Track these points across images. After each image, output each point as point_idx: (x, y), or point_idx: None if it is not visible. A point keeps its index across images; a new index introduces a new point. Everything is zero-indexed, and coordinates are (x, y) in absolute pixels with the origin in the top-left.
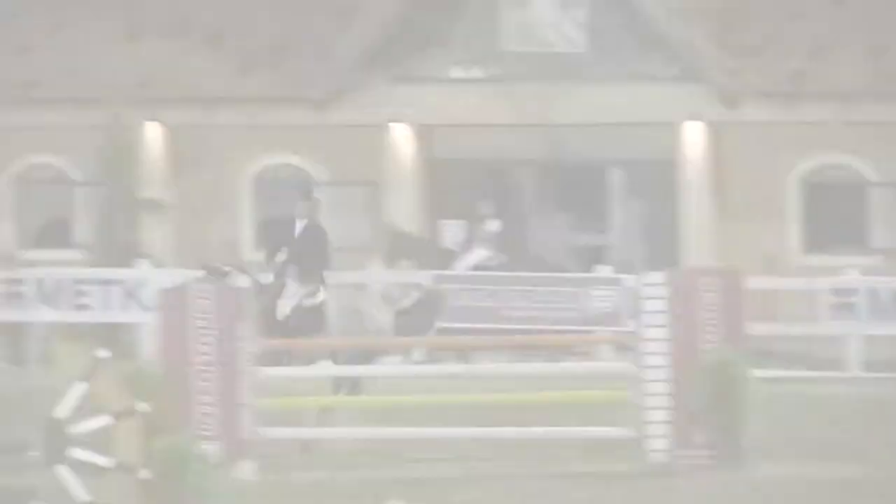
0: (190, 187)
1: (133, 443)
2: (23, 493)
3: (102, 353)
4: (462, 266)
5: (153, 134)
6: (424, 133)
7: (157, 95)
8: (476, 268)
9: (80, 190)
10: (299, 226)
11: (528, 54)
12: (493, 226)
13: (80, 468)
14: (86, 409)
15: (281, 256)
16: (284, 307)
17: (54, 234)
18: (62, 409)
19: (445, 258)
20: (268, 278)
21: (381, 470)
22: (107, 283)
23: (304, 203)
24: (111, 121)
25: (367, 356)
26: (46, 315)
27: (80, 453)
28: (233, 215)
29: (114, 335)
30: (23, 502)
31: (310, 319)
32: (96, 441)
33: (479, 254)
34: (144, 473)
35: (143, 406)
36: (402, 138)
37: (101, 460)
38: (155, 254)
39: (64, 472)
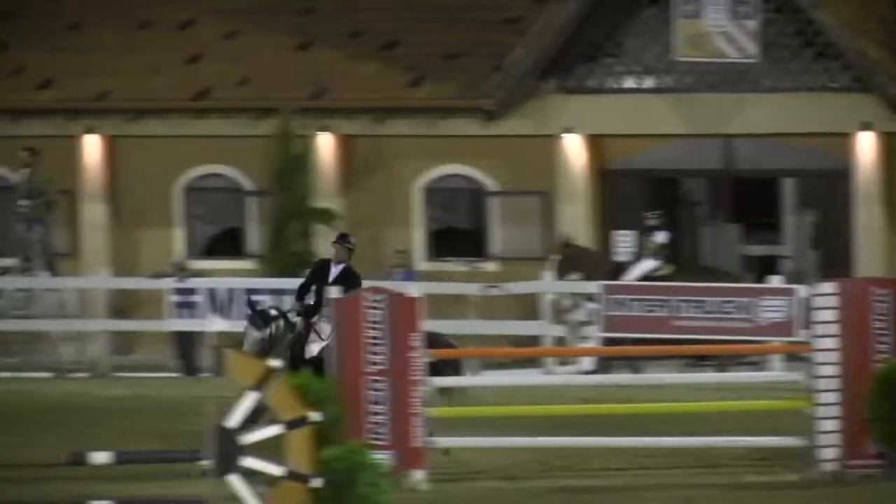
0: (361, 197)
1: (305, 452)
2: (194, 502)
3: (275, 363)
4: (631, 277)
5: (325, 143)
6: (596, 143)
7: (330, 105)
8: (645, 278)
9: (251, 199)
10: (335, 270)
11: (700, 64)
12: (662, 237)
13: (252, 477)
14: (258, 418)
15: (311, 298)
16: (313, 348)
17: (226, 243)
18: (234, 419)
19: (615, 269)
20: (294, 317)
21: (551, 480)
22: (278, 292)
23: (341, 247)
24: (283, 130)
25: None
26: (218, 324)
27: (252, 462)
28: (404, 225)
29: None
30: None
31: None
32: (268, 450)
33: (648, 264)
34: (316, 482)
35: (315, 415)
36: (573, 148)
37: (273, 469)
38: None
39: (236, 481)
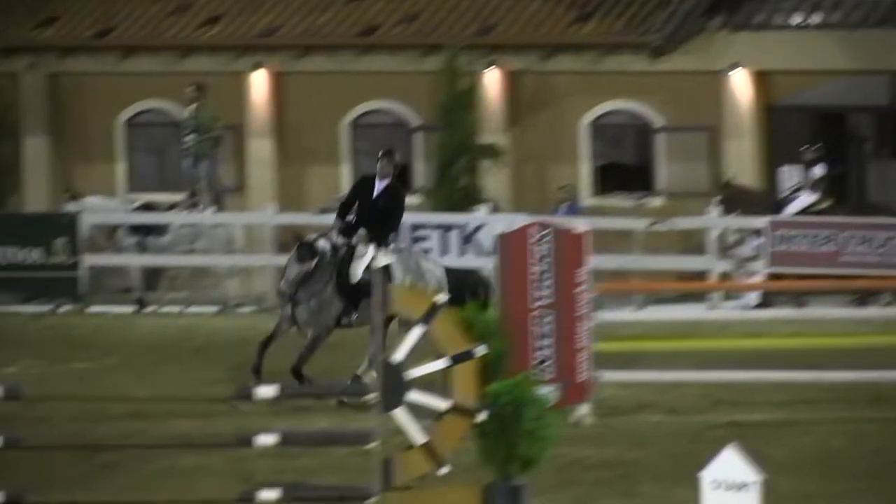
0: (527, 133)
1: (470, 386)
2: (361, 436)
3: (441, 298)
4: (790, 211)
5: (491, 80)
6: (762, 79)
7: (496, 42)
8: (803, 212)
9: (417, 135)
10: (379, 185)
11: (867, 0)
12: (820, 170)
13: (418, 411)
14: (425, 352)
15: (352, 216)
16: (357, 271)
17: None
18: (401, 353)
19: (778, 205)
20: (336, 238)
21: (716, 414)
22: (445, 227)
23: (386, 162)
24: (449, 66)
25: None
26: (384, 259)
27: (417, 396)
28: (570, 161)
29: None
30: (362, 445)
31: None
32: (434, 384)
33: (807, 198)
34: (481, 416)
35: (480, 350)
36: (740, 85)
37: (438, 403)
38: (492, 198)
39: (402, 415)
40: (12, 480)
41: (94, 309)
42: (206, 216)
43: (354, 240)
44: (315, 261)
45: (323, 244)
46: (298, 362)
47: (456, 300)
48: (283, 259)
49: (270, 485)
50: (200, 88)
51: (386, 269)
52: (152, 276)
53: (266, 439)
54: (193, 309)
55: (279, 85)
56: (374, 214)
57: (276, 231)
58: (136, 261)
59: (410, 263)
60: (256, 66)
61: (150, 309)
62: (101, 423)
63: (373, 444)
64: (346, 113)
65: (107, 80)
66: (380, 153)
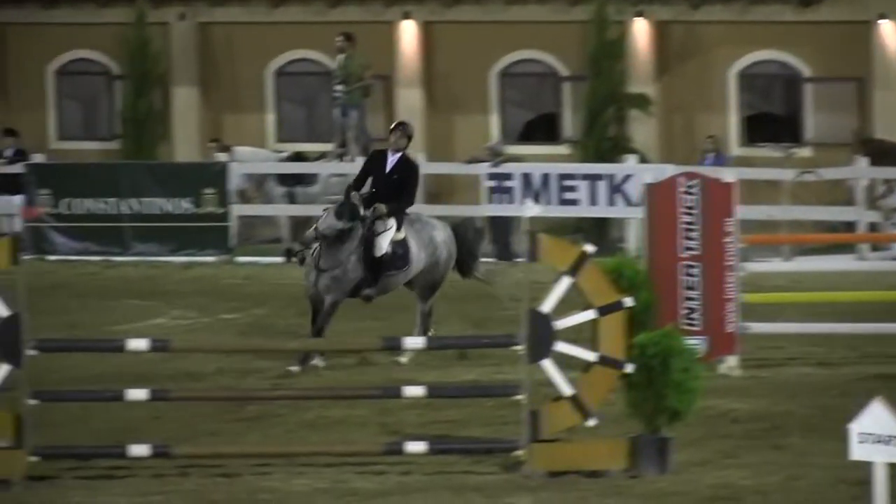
0: (675, 82)
1: (617, 337)
2: (508, 387)
3: (589, 248)
4: None
5: (639, 29)
6: None
7: None
8: None
9: (566, 84)
10: (392, 159)
11: None
12: None
13: (565, 362)
14: (572, 303)
15: (366, 189)
16: (382, 244)
17: (541, 128)
18: (548, 304)
19: None
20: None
21: (864, 366)
22: (593, 177)
23: (400, 135)
24: (598, 16)
25: None
26: (533, 209)
27: (564, 347)
28: (718, 111)
29: (600, 229)
30: (508, 395)
31: (398, 255)
32: (581, 335)
33: None
34: (629, 368)
35: (628, 301)
36: (888, 35)
37: (585, 354)
38: (640, 149)
39: (549, 366)
40: (160, 433)
41: (243, 259)
42: (355, 166)
43: (373, 213)
44: (351, 224)
45: (362, 214)
46: (318, 332)
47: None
48: (429, 208)
49: (417, 437)
50: (349, 38)
51: (403, 243)
52: (301, 226)
53: (413, 391)
54: None
55: (427, 35)
56: (390, 187)
57: (424, 180)
58: (285, 211)
59: (424, 237)
60: (405, 16)
61: (297, 259)
62: (249, 375)
63: (520, 397)
64: (494, 63)
65: (256, 29)
66: (391, 125)
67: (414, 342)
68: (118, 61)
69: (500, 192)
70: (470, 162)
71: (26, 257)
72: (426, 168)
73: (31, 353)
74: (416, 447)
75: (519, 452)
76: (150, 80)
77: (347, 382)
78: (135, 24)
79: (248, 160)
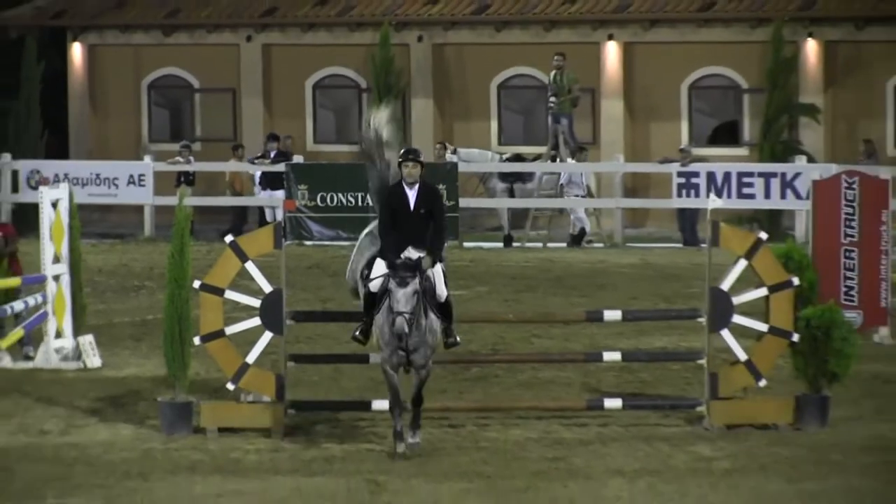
0: (839, 94)
1: (786, 311)
2: (692, 353)
3: (762, 235)
4: None
5: (810, 48)
6: None
7: (816, 15)
8: None
9: (746, 96)
10: (412, 193)
11: None
12: None
13: (741, 332)
14: (747, 281)
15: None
16: (441, 287)
17: (724, 133)
18: (727, 283)
19: None
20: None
21: None
22: (768, 175)
23: (413, 165)
24: (775, 37)
25: None
26: (715, 202)
27: (740, 319)
28: (878, 118)
29: (773, 220)
30: (692, 360)
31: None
32: (755, 309)
33: None
34: (795, 337)
35: (795, 280)
36: None
37: (758, 326)
38: (809, 150)
39: (727, 336)
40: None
41: (469, 244)
42: (566, 166)
43: (416, 258)
44: (415, 281)
45: (415, 259)
46: (418, 402)
47: None
48: (629, 202)
49: (614, 395)
50: (562, 57)
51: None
52: (519, 217)
53: (612, 356)
54: (552, 245)
55: (628, 53)
56: (420, 223)
57: (624, 178)
58: (505, 203)
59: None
60: (609, 38)
61: (515, 245)
62: (473, 342)
63: (702, 361)
64: (685, 77)
65: (482, 50)
66: (400, 155)
67: (611, 315)
68: (366, 77)
69: (688, 187)
70: (663, 162)
71: (287, 242)
72: (625, 168)
73: (290, 322)
74: (613, 403)
75: (700, 408)
76: (393, 93)
77: (555, 349)
78: (380, 45)
79: (475, 160)
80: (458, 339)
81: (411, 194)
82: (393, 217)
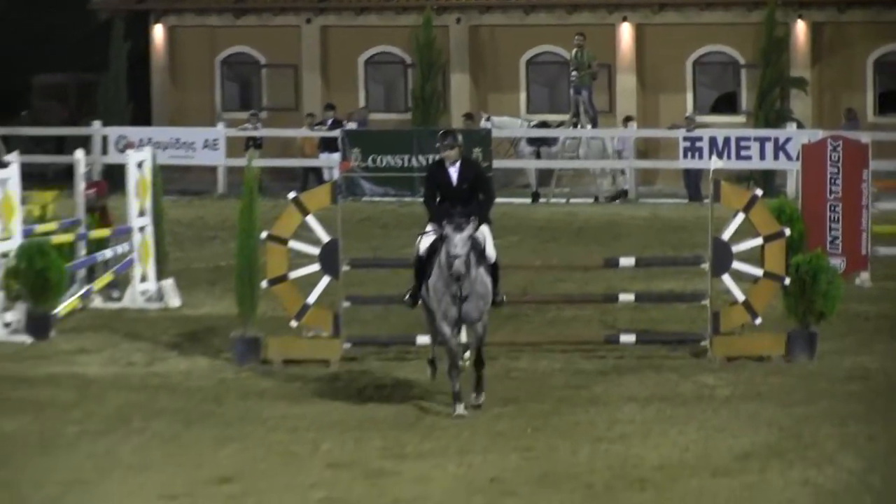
0: (825, 69)
1: (778, 258)
2: (697, 295)
3: (758, 192)
4: None
5: (800, 28)
6: None
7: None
8: None
9: (744, 70)
10: (453, 170)
11: None
12: None
13: (739, 277)
14: (744, 232)
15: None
16: (490, 249)
17: (724, 103)
18: (727, 233)
19: None
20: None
21: None
22: (763, 140)
23: (447, 149)
24: (769, 19)
25: None
26: (716, 163)
27: (739, 266)
28: (858, 90)
29: (767, 179)
30: (696, 301)
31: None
32: (751, 257)
33: None
34: (787, 281)
35: (786, 231)
36: None
37: (754, 271)
38: (799, 118)
39: (727, 280)
40: None
41: (500, 200)
42: (586, 132)
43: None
44: (470, 226)
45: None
46: (480, 365)
47: None
48: (641, 163)
49: (628, 331)
50: (582, 36)
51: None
52: (544, 176)
53: (626, 297)
54: (574, 201)
55: (640, 34)
56: (464, 197)
57: (636, 142)
58: (532, 164)
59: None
60: (623, 20)
61: (541, 201)
62: (505, 285)
63: (705, 301)
64: (689, 54)
65: (513, 30)
66: (438, 138)
67: (626, 261)
68: (410, 54)
69: (693, 150)
70: (671, 128)
71: (342, 199)
72: (638, 133)
73: (346, 268)
74: (627, 338)
75: (704, 343)
76: (434, 69)
77: (577, 291)
78: (423, 26)
79: (506, 126)
80: (504, 297)
81: (453, 171)
82: (437, 187)
